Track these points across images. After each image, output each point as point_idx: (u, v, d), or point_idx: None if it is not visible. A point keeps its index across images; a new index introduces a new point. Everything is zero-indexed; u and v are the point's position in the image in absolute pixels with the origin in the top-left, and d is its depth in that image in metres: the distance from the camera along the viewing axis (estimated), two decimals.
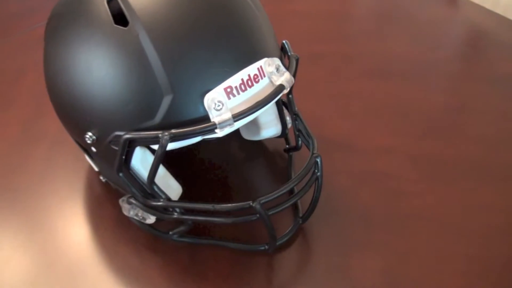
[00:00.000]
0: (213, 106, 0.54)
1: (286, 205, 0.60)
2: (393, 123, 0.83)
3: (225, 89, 0.54)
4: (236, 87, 0.55)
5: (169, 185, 0.63)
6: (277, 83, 0.58)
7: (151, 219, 0.62)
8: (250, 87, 0.56)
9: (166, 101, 0.54)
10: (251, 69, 0.56)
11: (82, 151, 0.68)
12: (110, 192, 0.70)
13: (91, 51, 0.55)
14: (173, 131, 0.53)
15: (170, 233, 0.63)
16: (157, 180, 0.61)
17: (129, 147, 0.56)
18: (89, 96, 0.56)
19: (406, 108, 0.87)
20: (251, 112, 0.55)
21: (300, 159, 0.74)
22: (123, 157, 0.57)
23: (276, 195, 0.58)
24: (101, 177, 0.68)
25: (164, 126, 0.54)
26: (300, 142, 0.70)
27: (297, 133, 0.70)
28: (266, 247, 0.63)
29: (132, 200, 0.61)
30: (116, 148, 0.57)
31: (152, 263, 0.62)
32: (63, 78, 0.57)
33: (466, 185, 0.72)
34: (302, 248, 0.64)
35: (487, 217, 0.67)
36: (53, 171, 0.75)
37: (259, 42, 0.58)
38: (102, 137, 0.57)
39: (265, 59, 0.58)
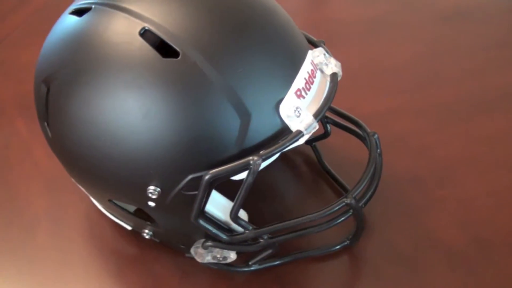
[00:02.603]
0: (293, 113, 0.50)
1: (371, 192, 0.57)
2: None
3: (295, 93, 0.50)
4: (303, 88, 0.51)
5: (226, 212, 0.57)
6: (329, 72, 0.54)
7: (232, 257, 0.56)
8: (312, 84, 0.52)
9: (243, 125, 0.48)
10: (307, 66, 0.52)
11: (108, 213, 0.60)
12: (146, 250, 0.62)
13: (143, 94, 0.47)
14: (262, 152, 0.48)
15: (250, 263, 0.58)
16: (225, 212, 0.56)
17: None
18: (149, 145, 0.48)
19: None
20: (325, 108, 0.51)
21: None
22: (204, 199, 0.51)
23: (363, 184, 0.55)
24: (145, 233, 0.59)
25: (243, 152, 0.49)
26: (329, 128, 0.67)
27: (324, 119, 0.67)
28: (348, 242, 0.60)
29: (209, 243, 0.55)
30: (191, 193, 0.50)
31: None
32: (105, 137, 0.49)
33: None
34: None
35: None
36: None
37: (298, 35, 0.54)
38: (170, 187, 0.50)
39: (310, 51, 0.54)
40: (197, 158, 0.49)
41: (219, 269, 0.58)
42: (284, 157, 0.72)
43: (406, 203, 0.65)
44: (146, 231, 0.59)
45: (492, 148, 0.72)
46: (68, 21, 0.52)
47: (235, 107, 0.48)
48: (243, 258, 0.58)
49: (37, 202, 0.67)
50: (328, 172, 0.68)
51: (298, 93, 0.51)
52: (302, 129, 0.49)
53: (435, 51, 0.88)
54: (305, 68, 0.52)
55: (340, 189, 0.67)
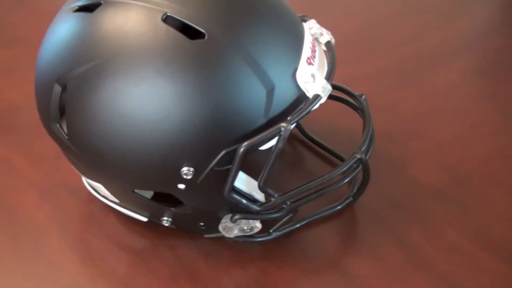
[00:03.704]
0: (310, 79, 0.53)
1: (371, 148, 0.63)
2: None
3: (306, 61, 0.54)
4: (310, 56, 0.55)
5: (255, 186, 0.60)
6: (323, 40, 0.59)
7: (258, 226, 0.59)
8: (315, 52, 0.57)
9: (268, 95, 0.52)
10: (308, 36, 0.57)
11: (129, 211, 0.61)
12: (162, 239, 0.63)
13: (177, 78, 0.49)
14: (289, 118, 0.52)
15: (271, 231, 0.61)
16: (246, 185, 0.59)
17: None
18: (184, 126, 0.50)
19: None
20: (333, 72, 0.56)
21: None
22: (237, 172, 0.53)
23: (367, 140, 0.60)
24: (164, 220, 0.60)
25: (270, 121, 0.52)
26: None
27: None
28: (351, 198, 0.65)
29: (238, 216, 0.57)
30: (223, 168, 0.53)
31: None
32: (138, 125, 0.50)
33: None
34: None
35: None
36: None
37: (292, 11, 0.58)
38: (204, 165, 0.52)
39: (304, 24, 0.58)
40: (230, 133, 0.51)
41: (244, 242, 0.61)
42: None
43: (388, 158, 0.71)
44: (165, 217, 0.60)
45: (447, 99, 0.80)
46: (76, 19, 0.53)
47: (261, 79, 0.51)
48: (263, 229, 0.61)
49: (37, 212, 0.65)
50: (314, 141, 0.73)
51: (308, 61, 0.55)
52: (319, 92, 0.53)
53: (374, 23, 0.95)
54: (307, 39, 0.56)
55: (331, 157, 0.71)
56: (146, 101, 0.50)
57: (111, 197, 0.60)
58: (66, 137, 0.54)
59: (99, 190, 0.61)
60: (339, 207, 0.65)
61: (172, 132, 0.50)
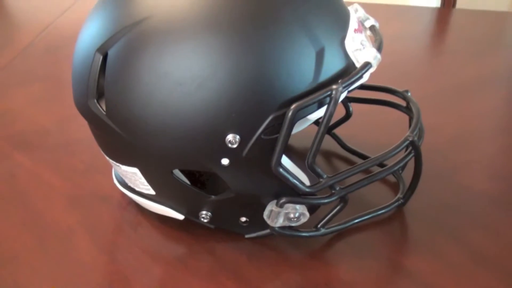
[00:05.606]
0: (360, 46, 0.52)
1: (422, 139, 0.59)
2: None
3: (355, 31, 0.53)
4: (356, 29, 0.54)
5: (299, 174, 0.56)
6: (368, 25, 0.58)
7: (306, 214, 0.54)
8: (361, 28, 0.55)
9: (318, 57, 0.50)
10: (353, 15, 0.56)
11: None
12: (200, 241, 0.58)
13: (224, 32, 0.47)
14: (341, 81, 0.49)
15: (319, 226, 0.56)
16: (291, 169, 0.55)
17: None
18: (232, 86, 0.47)
19: None
20: (381, 46, 0.54)
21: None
22: (287, 140, 0.50)
23: (417, 126, 0.57)
24: (203, 216, 0.56)
25: (320, 86, 0.50)
26: (351, 108, 0.69)
27: (346, 100, 0.69)
28: (402, 201, 0.61)
29: (284, 200, 0.53)
30: (271, 137, 0.49)
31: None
32: (183, 85, 0.47)
33: None
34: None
35: None
36: None
37: None
38: (250, 131, 0.49)
39: (349, 7, 0.58)
40: (278, 95, 0.49)
41: (290, 235, 0.55)
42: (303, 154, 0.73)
43: (436, 168, 0.67)
44: (204, 212, 0.56)
45: (489, 121, 0.78)
46: None
47: (311, 40, 0.49)
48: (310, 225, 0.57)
49: (65, 218, 0.61)
50: (356, 153, 0.69)
51: (355, 32, 0.53)
52: (370, 59, 0.51)
53: (404, 61, 0.95)
54: (353, 15, 0.55)
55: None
56: (191, 57, 0.48)
57: (146, 189, 0.56)
58: (104, 113, 0.52)
59: (134, 183, 0.57)
60: (388, 208, 0.60)
61: (218, 91, 0.48)
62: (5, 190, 0.66)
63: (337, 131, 0.72)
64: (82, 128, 0.75)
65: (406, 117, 0.71)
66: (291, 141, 0.72)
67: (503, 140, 0.73)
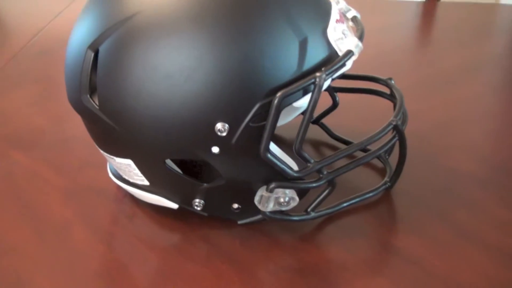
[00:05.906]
0: (342, 35, 0.54)
1: (405, 125, 0.61)
2: None
3: (336, 21, 0.55)
4: (338, 19, 0.56)
5: (288, 160, 0.58)
6: (350, 15, 0.60)
7: (296, 199, 0.56)
8: (343, 18, 0.57)
9: (301, 47, 0.52)
10: (335, 6, 0.58)
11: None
12: (195, 230, 0.61)
13: (209, 24, 0.49)
14: (324, 69, 0.51)
15: (309, 210, 0.58)
16: (279, 155, 0.57)
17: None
18: (219, 76, 0.49)
19: None
20: (363, 35, 0.56)
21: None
22: (273, 127, 0.52)
23: (400, 110, 0.59)
24: (196, 205, 0.58)
25: (304, 74, 0.52)
26: (337, 98, 0.71)
27: (331, 89, 0.71)
28: (389, 184, 0.63)
29: (274, 185, 0.55)
30: (258, 124, 0.51)
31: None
32: (173, 77, 0.50)
33: None
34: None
35: None
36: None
37: None
38: (239, 120, 0.51)
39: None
40: (264, 83, 0.51)
41: (281, 219, 0.57)
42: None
43: (421, 152, 0.70)
44: (197, 201, 0.58)
45: (473, 107, 0.80)
46: None
47: (294, 31, 0.51)
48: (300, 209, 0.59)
49: (62, 211, 0.63)
50: (343, 141, 0.71)
51: (336, 22, 0.55)
52: (352, 48, 0.53)
53: (389, 52, 0.97)
54: (335, 7, 0.57)
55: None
56: (179, 50, 0.50)
57: (141, 180, 0.58)
58: (97, 107, 0.54)
59: (128, 175, 0.59)
60: (376, 191, 0.62)
61: (206, 82, 0.50)
62: (3, 187, 0.68)
63: (325, 120, 0.74)
64: (76, 126, 0.77)
65: (391, 106, 0.73)
66: (281, 132, 0.75)
67: (486, 125, 0.76)
